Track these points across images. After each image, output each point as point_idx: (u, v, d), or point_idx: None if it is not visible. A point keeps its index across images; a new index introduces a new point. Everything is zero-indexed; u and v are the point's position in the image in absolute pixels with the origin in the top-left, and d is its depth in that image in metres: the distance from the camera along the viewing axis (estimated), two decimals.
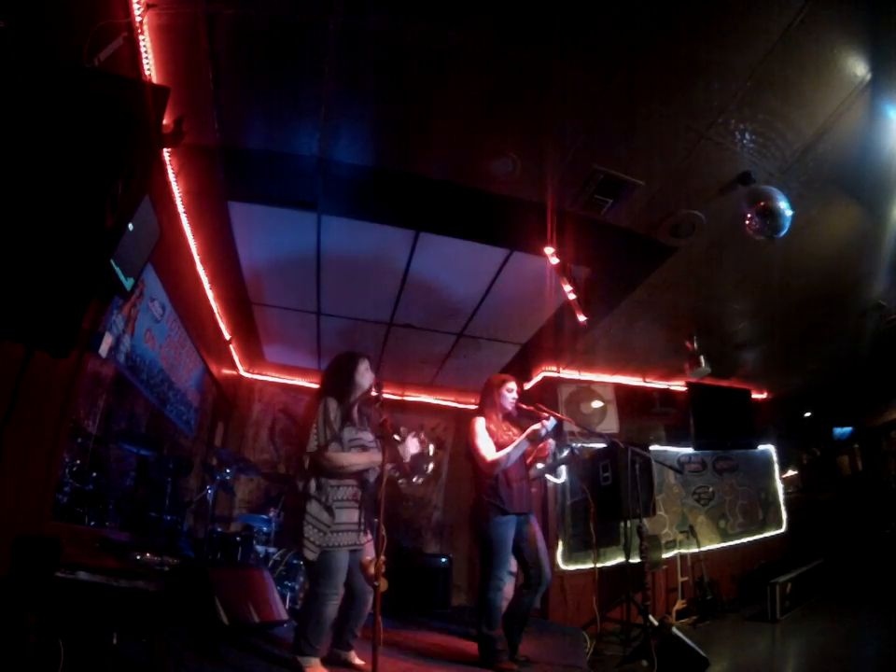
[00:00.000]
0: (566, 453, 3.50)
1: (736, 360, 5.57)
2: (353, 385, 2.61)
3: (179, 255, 3.83)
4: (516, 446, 2.88)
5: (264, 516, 4.43)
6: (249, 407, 6.58)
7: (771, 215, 2.85)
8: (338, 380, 2.63)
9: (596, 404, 5.69)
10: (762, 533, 6.20)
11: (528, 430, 2.92)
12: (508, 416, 3.16)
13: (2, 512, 2.08)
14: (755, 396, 6.43)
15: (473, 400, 3.37)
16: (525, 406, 3.23)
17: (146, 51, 2.41)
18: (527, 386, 6.13)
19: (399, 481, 5.50)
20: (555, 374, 5.82)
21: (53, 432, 2.48)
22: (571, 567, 5.30)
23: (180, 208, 3.46)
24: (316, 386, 2.76)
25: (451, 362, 5.92)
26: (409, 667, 2.69)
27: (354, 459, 2.45)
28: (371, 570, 2.21)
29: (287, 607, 3.45)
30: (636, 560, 4.04)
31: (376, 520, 2.39)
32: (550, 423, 2.93)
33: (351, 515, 2.46)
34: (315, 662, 2.30)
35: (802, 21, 2.24)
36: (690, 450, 6.01)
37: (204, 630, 2.48)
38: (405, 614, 4.74)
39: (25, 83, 1.61)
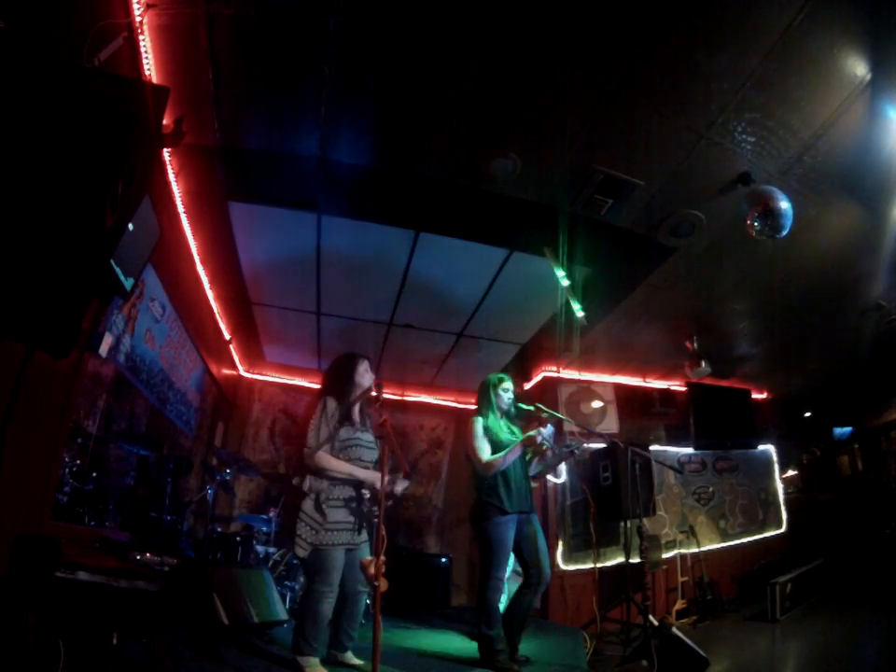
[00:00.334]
0: (565, 451, 3.50)
1: (736, 360, 5.57)
2: (352, 384, 2.64)
3: (179, 255, 3.83)
4: (511, 451, 2.89)
5: (264, 516, 4.43)
6: (249, 407, 6.58)
7: (772, 215, 2.85)
8: (338, 380, 2.67)
9: (596, 404, 5.69)
10: (762, 533, 6.19)
11: (525, 436, 2.93)
12: (506, 415, 3.17)
13: (2, 512, 2.08)
14: (755, 396, 6.43)
15: (473, 400, 3.37)
16: (524, 406, 3.23)
17: (146, 51, 2.41)
18: (527, 386, 6.13)
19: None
20: (555, 374, 5.82)
21: (53, 432, 2.48)
22: (571, 567, 5.29)
23: (180, 208, 3.46)
24: (317, 386, 2.80)
25: (451, 362, 5.92)
26: (409, 667, 2.69)
27: (338, 466, 2.46)
28: (371, 570, 2.21)
29: (286, 607, 3.45)
30: (636, 560, 4.04)
31: (376, 520, 2.39)
32: (547, 430, 2.93)
33: (346, 514, 2.46)
34: (315, 661, 2.31)
35: (802, 21, 2.24)
36: (690, 450, 6.00)
37: (204, 630, 2.48)
38: (405, 614, 4.74)
39: (25, 83, 1.61)
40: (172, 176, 3.21)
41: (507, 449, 2.90)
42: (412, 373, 6.36)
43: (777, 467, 6.60)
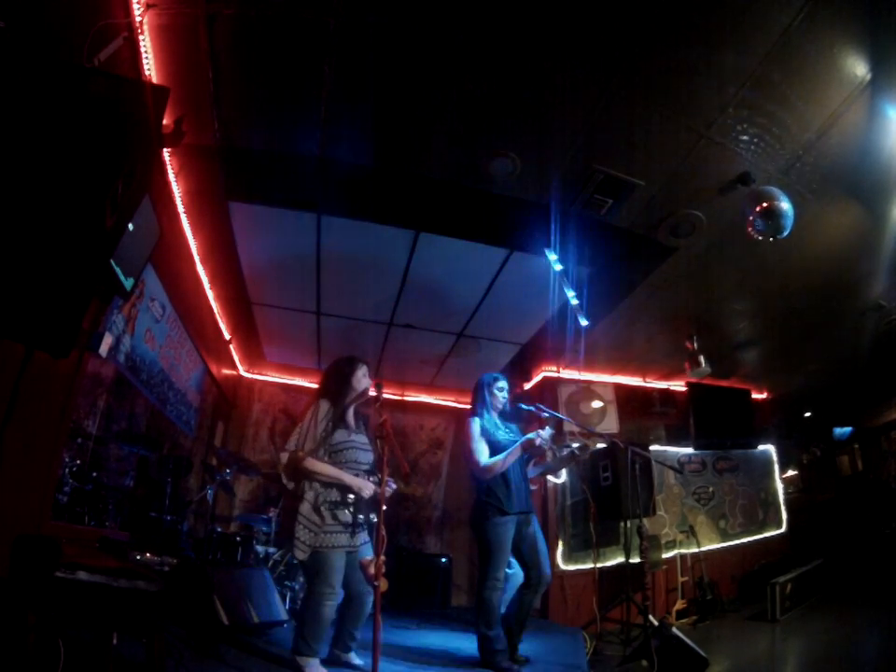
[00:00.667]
0: (565, 453, 3.49)
1: (736, 360, 5.57)
2: (349, 388, 2.64)
3: (179, 255, 3.83)
4: (510, 453, 2.87)
5: (264, 516, 4.43)
6: (249, 407, 6.59)
7: (773, 215, 2.84)
8: (334, 383, 2.67)
9: (596, 404, 5.69)
10: (762, 533, 6.19)
11: (523, 439, 2.91)
12: (502, 414, 3.15)
13: (2, 512, 2.08)
14: (755, 396, 6.42)
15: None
16: (524, 406, 3.23)
17: (146, 51, 2.41)
18: (527, 386, 6.13)
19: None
20: (555, 374, 5.82)
21: (53, 432, 2.48)
22: (571, 567, 5.29)
23: (180, 208, 3.46)
24: (317, 386, 2.80)
25: (451, 362, 5.92)
26: (408, 668, 2.69)
27: (325, 470, 2.44)
28: (371, 570, 2.21)
29: (286, 607, 3.45)
30: (636, 560, 4.05)
31: (376, 520, 2.39)
32: (545, 432, 2.92)
33: (344, 516, 2.45)
34: (315, 662, 2.31)
35: (802, 20, 2.24)
36: (690, 450, 6.00)
37: (204, 630, 2.48)
38: (405, 614, 4.74)
39: (25, 83, 1.61)
40: (172, 176, 3.21)
41: (506, 452, 2.88)
42: (412, 373, 6.36)
43: (776, 467, 6.60)
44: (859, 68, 2.44)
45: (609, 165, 3.06)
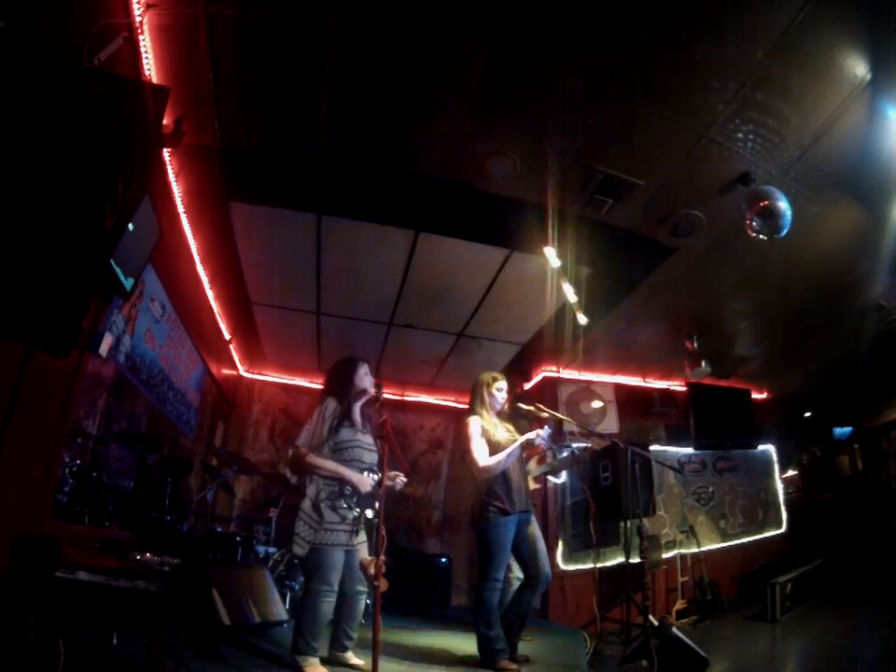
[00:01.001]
0: (566, 453, 3.49)
1: (736, 360, 5.57)
2: (352, 386, 2.68)
3: (179, 255, 3.83)
4: (509, 453, 2.86)
5: (264, 516, 4.43)
6: (249, 407, 6.58)
7: (771, 215, 2.85)
8: (338, 382, 2.71)
9: (596, 404, 5.69)
10: (762, 533, 6.19)
11: (522, 438, 2.91)
12: (500, 414, 3.14)
13: (2, 512, 2.08)
14: (755, 396, 6.43)
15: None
16: (524, 406, 3.22)
17: (146, 51, 2.41)
18: (527, 386, 6.13)
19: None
20: (555, 374, 5.82)
21: (53, 432, 2.48)
22: (571, 567, 5.30)
23: (180, 208, 3.46)
24: (317, 386, 2.82)
25: (451, 362, 5.92)
26: (408, 668, 2.69)
27: (324, 465, 2.49)
28: (371, 570, 2.21)
29: (286, 607, 3.45)
30: (636, 560, 4.04)
31: (376, 520, 2.40)
32: (545, 431, 2.92)
33: (344, 514, 2.47)
34: (315, 661, 2.31)
35: (802, 20, 2.24)
36: (690, 450, 6.00)
37: (204, 630, 2.48)
38: (405, 614, 4.74)
39: (25, 83, 1.61)
40: (172, 176, 3.21)
41: (505, 451, 2.88)
42: (412, 373, 6.36)
43: (776, 467, 6.60)
44: (859, 68, 2.44)
45: (609, 165, 3.06)
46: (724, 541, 5.94)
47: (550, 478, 5.36)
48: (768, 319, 4.71)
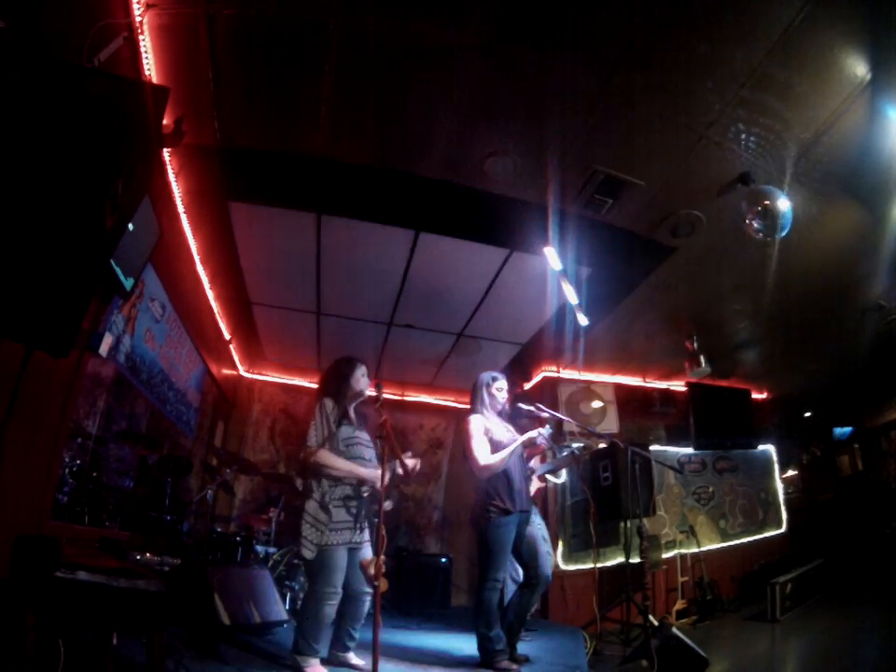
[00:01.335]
0: (566, 453, 3.49)
1: (736, 360, 5.56)
2: (348, 387, 2.67)
3: (179, 255, 3.83)
4: (511, 452, 2.86)
5: (264, 516, 4.42)
6: (249, 407, 6.58)
7: (771, 215, 2.85)
8: (334, 382, 2.70)
9: (596, 404, 5.69)
10: (762, 533, 6.19)
11: (524, 437, 2.91)
12: (501, 413, 3.14)
13: (2, 512, 2.08)
14: (755, 396, 6.43)
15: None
16: (524, 406, 3.22)
17: (146, 51, 2.41)
18: (527, 386, 6.13)
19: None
20: (555, 374, 5.82)
21: (53, 432, 2.48)
22: (571, 567, 5.30)
23: (180, 208, 3.46)
24: (316, 386, 2.82)
25: (451, 362, 5.92)
26: (408, 668, 2.69)
27: (339, 464, 2.48)
28: (371, 570, 2.21)
29: (286, 607, 3.45)
30: (636, 560, 4.04)
31: (376, 520, 2.39)
32: (546, 430, 2.92)
33: (348, 513, 2.47)
34: (315, 662, 2.31)
35: (802, 20, 2.24)
36: (690, 450, 6.00)
37: (204, 630, 2.48)
38: (405, 614, 4.74)
39: (25, 83, 1.61)
40: (172, 176, 3.21)
41: (507, 449, 2.88)
42: (412, 373, 6.36)
43: (776, 467, 6.60)
44: (859, 68, 2.44)
45: (609, 165, 3.06)
46: (724, 541, 5.94)
47: (550, 478, 5.35)
48: (768, 319, 4.71)
